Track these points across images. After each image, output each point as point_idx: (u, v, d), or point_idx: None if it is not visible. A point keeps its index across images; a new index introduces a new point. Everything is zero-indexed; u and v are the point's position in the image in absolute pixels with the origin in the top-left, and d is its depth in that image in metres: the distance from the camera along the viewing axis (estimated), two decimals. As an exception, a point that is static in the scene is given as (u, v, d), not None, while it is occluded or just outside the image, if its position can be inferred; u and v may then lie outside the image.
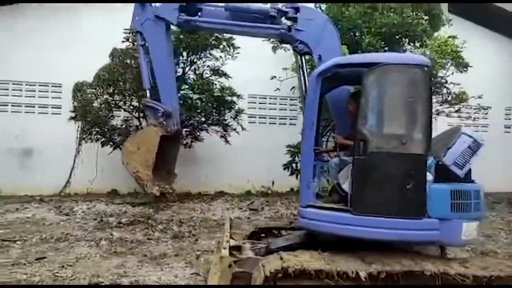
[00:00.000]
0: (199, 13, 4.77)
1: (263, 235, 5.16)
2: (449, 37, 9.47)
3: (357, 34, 9.46)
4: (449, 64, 9.42)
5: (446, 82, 9.47)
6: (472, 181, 4.06)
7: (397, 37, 9.56)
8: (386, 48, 9.50)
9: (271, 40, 8.89)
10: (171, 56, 4.96)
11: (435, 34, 9.67)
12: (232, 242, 4.35)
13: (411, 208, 3.73)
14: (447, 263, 3.67)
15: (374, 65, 3.88)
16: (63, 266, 5.12)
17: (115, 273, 4.91)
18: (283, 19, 4.75)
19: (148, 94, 4.83)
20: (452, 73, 9.65)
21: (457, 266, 3.59)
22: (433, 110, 9.65)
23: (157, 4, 4.81)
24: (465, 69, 9.55)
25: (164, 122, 4.69)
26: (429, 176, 3.82)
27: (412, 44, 9.66)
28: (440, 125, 11.75)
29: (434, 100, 9.74)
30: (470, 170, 4.07)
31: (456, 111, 10.42)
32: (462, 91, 9.92)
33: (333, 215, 3.90)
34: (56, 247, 6.04)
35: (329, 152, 4.86)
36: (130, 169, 4.65)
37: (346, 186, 4.02)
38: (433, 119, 3.99)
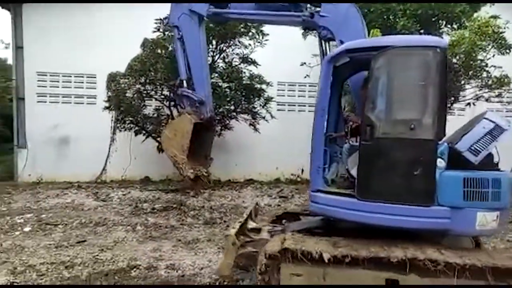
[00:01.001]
0: (228, 5, 4.95)
1: (284, 220, 5.11)
2: (490, 17, 8.94)
3: (391, 17, 9.11)
4: (489, 46, 8.90)
5: (487, 65, 8.96)
6: (495, 169, 3.80)
7: (433, 19, 9.15)
8: (422, 31, 9.13)
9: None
10: (204, 48, 5.13)
11: (475, 14, 9.15)
12: (253, 225, 4.46)
13: (419, 195, 3.61)
14: (426, 249, 3.54)
15: (383, 48, 3.77)
16: (102, 249, 5.34)
17: (151, 257, 5.08)
18: (308, 6, 4.74)
19: (184, 84, 5.03)
20: (493, 56, 9.13)
21: (433, 251, 3.48)
22: (472, 95, 9.35)
23: None
24: (507, 51, 8.98)
25: (197, 110, 4.91)
26: (441, 163, 3.61)
27: (449, 26, 9.22)
28: (478, 111, 11.33)
29: (473, 84, 9.31)
30: (492, 156, 3.83)
31: (497, 96, 9.87)
32: (504, 74, 9.34)
33: (340, 200, 3.88)
34: (95, 231, 6.32)
35: (343, 137, 4.77)
36: (168, 154, 4.91)
37: (354, 172, 3.97)
38: (449, 103, 3.76)
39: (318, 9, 4.58)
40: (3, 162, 13.41)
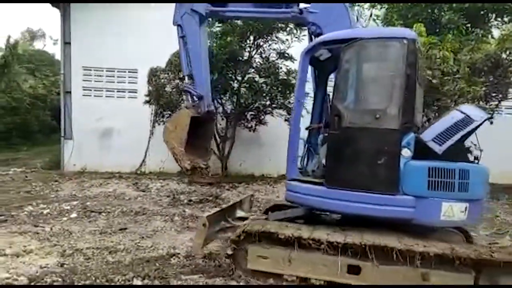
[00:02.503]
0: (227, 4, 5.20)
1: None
2: (546, 9, 8.40)
3: (435, 11, 8.77)
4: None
5: (539, 60, 8.41)
6: (465, 160, 3.77)
7: (481, 12, 8.72)
8: (469, 25, 8.72)
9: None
10: (204, 46, 5.35)
11: (529, 7, 8.62)
12: (242, 214, 4.77)
13: (384, 183, 3.66)
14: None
15: (352, 40, 3.86)
16: (143, 237, 5.57)
17: (189, 246, 5.21)
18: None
19: (186, 80, 5.31)
20: (548, 51, 8.55)
21: (392, 239, 3.53)
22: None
23: None
24: None
25: (196, 104, 5.15)
26: (407, 153, 3.65)
27: (500, 19, 8.73)
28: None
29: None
30: (463, 147, 3.84)
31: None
32: (559, 69, 8.76)
33: (312, 189, 3.97)
34: (136, 220, 6.59)
35: (321, 129, 4.84)
36: (168, 146, 5.16)
37: (324, 161, 4.10)
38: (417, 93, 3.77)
39: (307, 5, 4.71)
40: (51, 151, 14.27)
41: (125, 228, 6.00)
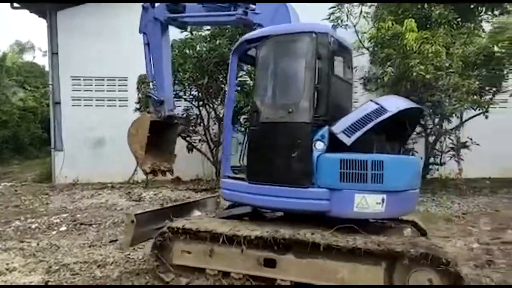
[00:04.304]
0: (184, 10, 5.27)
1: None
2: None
3: (425, 6, 8.69)
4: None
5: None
6: (382, 151, 3.75)
7: (471, 6, 8.65)
8: (459, 19, 8.65)
9: (330, 18, 8.60)
10: (166, 53, 5.46)
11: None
12: (197, 213, 4.86)
13: (298, 177, 3.71)
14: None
15: (266, 38, 3.96)
16: (134, 249, 5.33)
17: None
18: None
19: (151, 85, 5.39)
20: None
21: (308, 233, 3.50)
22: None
23: (157, 4, 5.34)
24: (557, 36, 8.33)
25: (157, 109, 5.24)
26: (320, 145, 3.65)
27: (490, 12, 8.66)
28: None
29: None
30: (382, 137, 3.83)
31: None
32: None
33: (238, 184, 4.09)
34: (127, 231, 6.36)
35: None
36: (131, 150, 5.27)
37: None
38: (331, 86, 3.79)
39: (253, 6, 4.70)
40: (43, 164, 14.03)
41: (116, 240, 5.79)
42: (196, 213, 4.92)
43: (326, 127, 3.69)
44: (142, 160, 5.17)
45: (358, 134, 3.60)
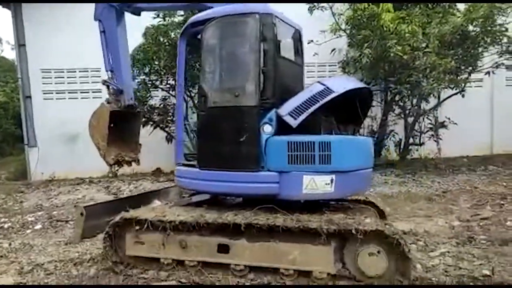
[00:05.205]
0: None
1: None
2: (509, -23, 8.34)
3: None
4: (509, 10, 8.33)
5: (507, 30, 8.41)
6: (330, 132, 3.76)
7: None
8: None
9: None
10: (122, 40, 5.27)
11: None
12: (157, 203, 4.76)
13: (247, 161, 3.68)
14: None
15: (210, 20, 3.86)
16: (112, 244, 5.18)
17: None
18: None
19: (109, 74, 5.19)
20: (515, 19, 8.56)
21: (261, 217, 3.50)
22: (492, 63, 8.81)
23: None
24: (530, 13, 8.42)
25: (117, 99, 5.08)
26: (268, 128, 3.63)
27: (464, -10, 8.67)
28: (499, 80, 10.71)
29: (493, 51, 8.77)
30: (330, 119, 3.83)
31: (519, 63, 9.32)
32: (527, 38, 8.78)
33: (189, 171, 4.06)
34: (106, 226, 6.17)
35: None
36: (93, 141, 5.12)
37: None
38: (280, 67, 3.76)
39: None
40: (18, 161, 13.51)
41: (93, 236, 5.59)
42: (156, 203, 4.82)
43: (274, 110, 3.64)
44: (104, 151, 5.02)
45: (304, 115, 3.56)
